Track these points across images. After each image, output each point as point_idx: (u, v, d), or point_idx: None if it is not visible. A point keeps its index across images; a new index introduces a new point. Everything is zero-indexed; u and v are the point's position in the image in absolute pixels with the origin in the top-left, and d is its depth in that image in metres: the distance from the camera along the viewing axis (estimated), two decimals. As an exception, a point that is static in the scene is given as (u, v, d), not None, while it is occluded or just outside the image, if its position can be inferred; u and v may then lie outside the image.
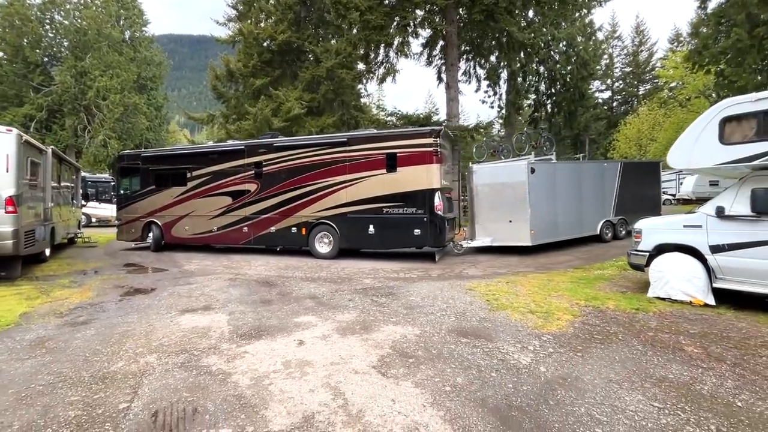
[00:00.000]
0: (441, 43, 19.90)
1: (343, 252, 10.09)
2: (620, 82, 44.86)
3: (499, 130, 32.07)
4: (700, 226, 5.43)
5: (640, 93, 43.17)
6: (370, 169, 9.66)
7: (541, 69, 25.07)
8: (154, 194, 12.21)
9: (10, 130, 7.31)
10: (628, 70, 44.60)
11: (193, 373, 3.37)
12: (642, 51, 44.20)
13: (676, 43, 39.95)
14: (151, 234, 12.07)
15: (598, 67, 33.54)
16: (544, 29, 20.85)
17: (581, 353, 3.78)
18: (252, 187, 10.88)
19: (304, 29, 18.78)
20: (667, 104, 34.13)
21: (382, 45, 18.02)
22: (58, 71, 30.52)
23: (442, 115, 22.04)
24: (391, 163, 9.46)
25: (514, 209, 10.15)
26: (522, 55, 21.56)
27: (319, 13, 19.35)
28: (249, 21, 19.15)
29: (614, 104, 45.12)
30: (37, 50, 30.23)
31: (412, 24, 17.68)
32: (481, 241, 10.62)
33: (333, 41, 18.41)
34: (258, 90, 18.11)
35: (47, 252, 9.62)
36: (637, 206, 12.30)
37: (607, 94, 44.94)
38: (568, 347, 3.93)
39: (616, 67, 44.44)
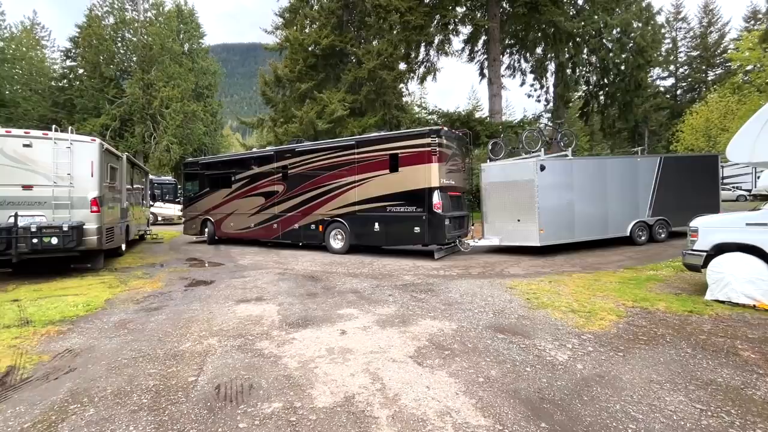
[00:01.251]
0: (483, 38, 19.55)
1: (353, 248, 10.75)
2: (685, 67, 41.17)
3: (546, 125, 30.80)
4: (765, 224, 5.02)
5: (709, 78, 39.33)
6: (375, 170, 10.17)
7: (593, 59, 23.66)
8: (208, 195, 14.08)
9: (94, 140, 8.35)
10: (694, 54, 40.82)
11: (248, 355, 3.76)
12: (711, 32, 40.24)
13: (753, 21, 35.96)
14: (206, 229, 13.94)
15: (658, 53, 31.01)
16: (595, 17, 19.70)
17: (622, 353, 3.71)
18: (280, 188, 11.96)
19: (346, 32, 19.33)
20: (742, 90, 30.80)
21: (423, 44, 18.11)
22: (128, 84, 33.76)
23: (485, 112, 21.69)
24: (394, 163, 9.88)
25: (523, 208, 9.91)
26: (570, 45, 20.58)
27: (361, 16, 19.80)
28: (294, 28, 20.04)
29: (678, 92, 41.50)
30: (111, 66, 33.65)
31: (452, 22, 17.57)
32: (488, 241, 10.49)
33: (374, 43, 18.76)
34: (303, 94, 18.94)
35: (123, 247, 10.83)
36: (685, 205, 11.09)
37: (669, 82, 41.48)
38: (608, 347, 3.87)
39: (680, 52, 40.87)
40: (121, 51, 34.78)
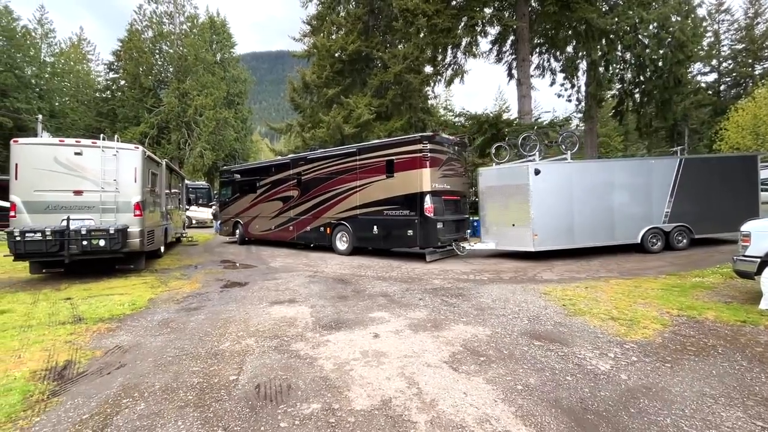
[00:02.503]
0: (511, 38, 19.22)
1: (356, 250, 11.21)
2: (729, 62, 38.78)
3: (577, 125, 29.84)
4: (829, 229, 4.65)
5: (756, 73, 36.85)
6: (374, 175, 10.62)
7: (627, 56, 22.70)
8: (238, 200, 15.30)
9: (138, 147, 8.82)
10: (739, 47, 38.37)
11: (285, 356, 3.85)
12: (758, 23, 37.72)
13: (805, 10, 33.45)
14: (237, 231, 15.16)
15: (699, 47, 29.43)
16: (630, 12, 18.93)
17: (670, 364, 3.53)
18: (295, 193, 12.80)
19: (372, 37, 19.51)
20: (794, 84, 28.74)
21: (450, 47, 17.97)
22: (165, 93, 35.48)
23: (513, 113, 21.27)
24: (390, 168, 10.28)
25: (517, 213, 9.88)
26: (603, 42, 19.87)
27: (387, 21, 19.94)
28: (322, 35, 20.43)
29: (722, 88, 39.13)
30: (150, 77, 35.46)
31: (480, 23, 17.36)
32: (485, 245, 10.52)
33: (400, 47, 18.83)
34: (330, 99, 19.25)
35: (162, 249, 11.35)
36: (715, 211, 10.34)
37: (712, 77, 39.13)
38: (654, 357, 3.69)
39: (723, 45, 38.53)
40: (159, 62, 36.60)
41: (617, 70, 23.02)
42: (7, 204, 7.89)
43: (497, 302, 5.77)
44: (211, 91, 34.90)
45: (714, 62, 38.32)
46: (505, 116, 18.42)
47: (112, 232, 7.75)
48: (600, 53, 20.25)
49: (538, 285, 6.94)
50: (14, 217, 7.61)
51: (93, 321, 5.11)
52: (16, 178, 7.70)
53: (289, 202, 12.99)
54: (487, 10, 17.08)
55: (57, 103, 36.49)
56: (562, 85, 22.99)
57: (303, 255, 11.64)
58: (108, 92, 38.72)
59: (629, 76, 23.45)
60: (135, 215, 8.46)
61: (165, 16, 36.19)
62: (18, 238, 7.18)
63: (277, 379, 3.33)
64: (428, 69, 19.14)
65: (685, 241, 10.43)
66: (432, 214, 9.60)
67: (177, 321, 5.10)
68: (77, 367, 3.67)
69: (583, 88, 22.70)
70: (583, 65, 22.00)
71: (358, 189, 10.96)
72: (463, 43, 18.03)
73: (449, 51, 18.78)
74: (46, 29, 38.99)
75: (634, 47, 20.55)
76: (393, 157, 10.27)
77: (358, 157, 11.04)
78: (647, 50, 20.54)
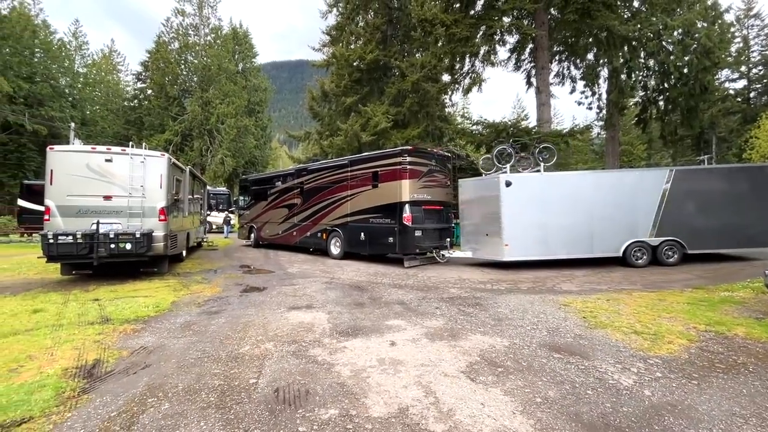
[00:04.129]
0: (530, 46, 19.12)
1: (347, 255, 11.92)
2: (759, 68, 37.43)
3: (598, 133, 29.26)
4: None
5: (789, 79, 35.47)
6: (363, 186, 11.30)
7: (651, 62, 22.23)
8: (253, 207, 16.50)
9: (164, 155, 9.15)
10: (770, 52, 37.05)
11: (302, 361, 3.90)
12: (790, 28, 36.39)
13: (841, 14, 32.06)
14: (252, 235, 16.25)
15: (726, 53, 28.58)
16: (653, 18, 18.59)
17: (697, 381, 3.41)
18: (298, 201, 13.73)
19: (390, 46, 19.74)
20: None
21: (468, 55, 17.99)
22: (189, 102, 36.69)
23: (532, 121, 21.07)
24: (375, 179, 10.95)
25: (490, 223, 10.16)
26: (625, 49, 19.54)
27: (405, 30, 20.16)
28: (341, 44, 20.78)
29: (751, 95, 37.76)
30: (175, 86, 36.76)
31: (498, 32, 17.34)
32: (462, 253, 10.92)
33: (417, 55, 18.97)
34: (348, 107, 19.50)
35: (184, 253, 11.67)
36: (718, 226, 9.76)
37: (741, 84, 37.81)
38: (680, 373, 3.57)
39: (753, 51, 37.26)
40: (184, 72, 37.97)
41: (640, 77, 22.56)
42: (41, 208, 8.30)
43: (515, 312, 5.69)
44: (233, 99, 35.91)
45: (743, 68, 37.08)
46: (523, 124, 18.25)
47: (138, 236, 8.03)
48: (622, 60, 19.91)
49: (558, 296, 6.82)
50: (48, 220, 7.97)
51: (119, 322, 5.30)
52: (51, 184, 8.08)
53: (293, 210, 13.95)
54: (506, 19, 17.04)
55: (88, 112, 38.21)
56: (583, 92, 22.68)
57: (320, 261, 11.76)
58: (135, 101, 40.36)
59: (653, 83, 22.93)
60: (160, 220, 8.74)
61: (191, 28, 37.62)
62: (51, 241, 7.53)
63: (296, 384, 3.38)
64: (446, 77, 19.19)
65: (675, 257, 9.89)
66: (410, 223, 10.13)
67: (198, 324, 5.24)
68: (105, 366, 3.82)
69: (604, 96, 22.33)
70: (604, 72, 21.66)
71: (349, 198, 11.66)
72: (481, 52, 18.01)
73: (467, 60, 18.79)
74: (79, 42, 41.07)
75: (657, 54, 20.12)
76: (378, 169, 10.91)
77: (349, 169, 11.77)
78: (672, 57, 20.06)
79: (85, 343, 4.43)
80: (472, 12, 17.25)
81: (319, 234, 12.73)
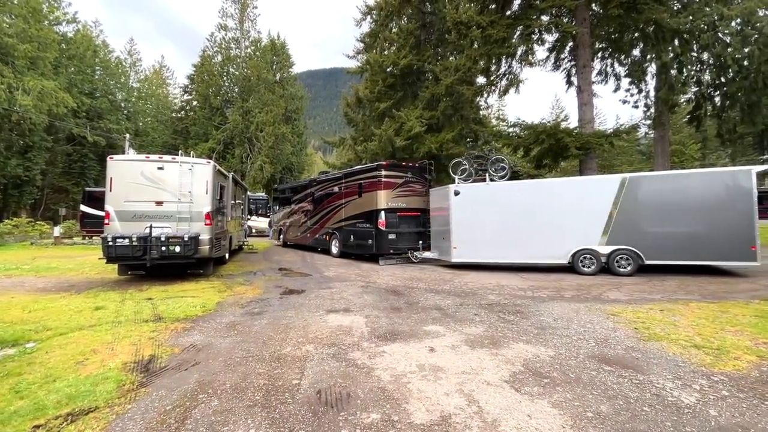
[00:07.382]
0: (570, 44, 18.41)
1: (343, 254, 13.78)
2: (833, 57, 33.85)
3: (646, 133, 27.59)
4: None
5: None
6: (352, 195, 13.05)
7: (705, 56, 20.69)
8: (281, 212, 19.29)
9: (209, 162, 9.64)
10: None
11: (343, 364, 3.94)
12: None
13: None
14: (281, 236, 19.05)
15: (793, 42, 26.05)
16: (707, 9, 17.33)
17: (771, 402, 3.10)
18: (311, 207, 15.88)
19: (423, 51, 19.72)
20: None
21: (504, 56, 17.61)
22: (230, 112, 38.49)
23: (572, 121, 20.25)
24: (360, 190, 12.64)
25: (445, 228, 11.13)
26: (676, 43, 18.34)
27: (439, 34, 20.09)
28: (374, 51, 21.03)
29: (823, 87, 34.18)
30: (218, 97, 38.71)
31: (536, 31, 16.85)
32: (430, 254, 11.92)
33: (452, 59, 18.80)
34: (382, 113, 19.65)
35: (227, 256, 12.19)
36: (685, 236, 8.90)
37: (810, 75, 34.35)
38: (750, 393, 3.27)
39: (824, 39, 33.78)
40: (226, 84, 39.92)
41: (693, 72, 21.04)
42: (102, 213, 9.00)
43: (559, 321, 5.46)
44: (271, 108, 37.26)
45: (814, 58, 33.66)
46: (564, 125, 17.57)
47: (186, 239, 8.50)
48: (672, 55, 18.72)
49: (605, 305, 6.46)
50: (108, 224, 8.63)
51: (171, 320, 5.61)
52: (110, 190, 8.74)
53: (307, 215, 16.10)
54: (545, 18, 16.50)
55: (141, 123, 41.07)
56: (628, 90, 21.43)
57: (355, 265, 11.88)
58: (182, 112, 42.91)
59: (707, 78, 21.33)
60: (206, 224, 9.21)
61: (232, 42, 39.52)
62: (110, 243, 8.13)
63: (337, 386, 3.42)
64: (481, 80, 18.86)
65: (629, 267, 9.26)
66: (384, 227, 11.66)
67: (242, 324, 5.44)
68: (159, 361, 4.05)
69: (652, 93, 21.03)
70: (651, 68, 20.43)
71: (343, 206, 13.47)
72: (519, 52, 17.54)
73: (504, 61, 18.35)
74: (134, 59, 44.36)
75: (712, 46, 18.72)
76: (362, 181, 12.54)
77: (343, 181, 13.68)
78: (729, 49, 18.58)
79: (141, 340, 4.72)
80: (508, 12, 16.89)
81: (323, 236, 14.69)
